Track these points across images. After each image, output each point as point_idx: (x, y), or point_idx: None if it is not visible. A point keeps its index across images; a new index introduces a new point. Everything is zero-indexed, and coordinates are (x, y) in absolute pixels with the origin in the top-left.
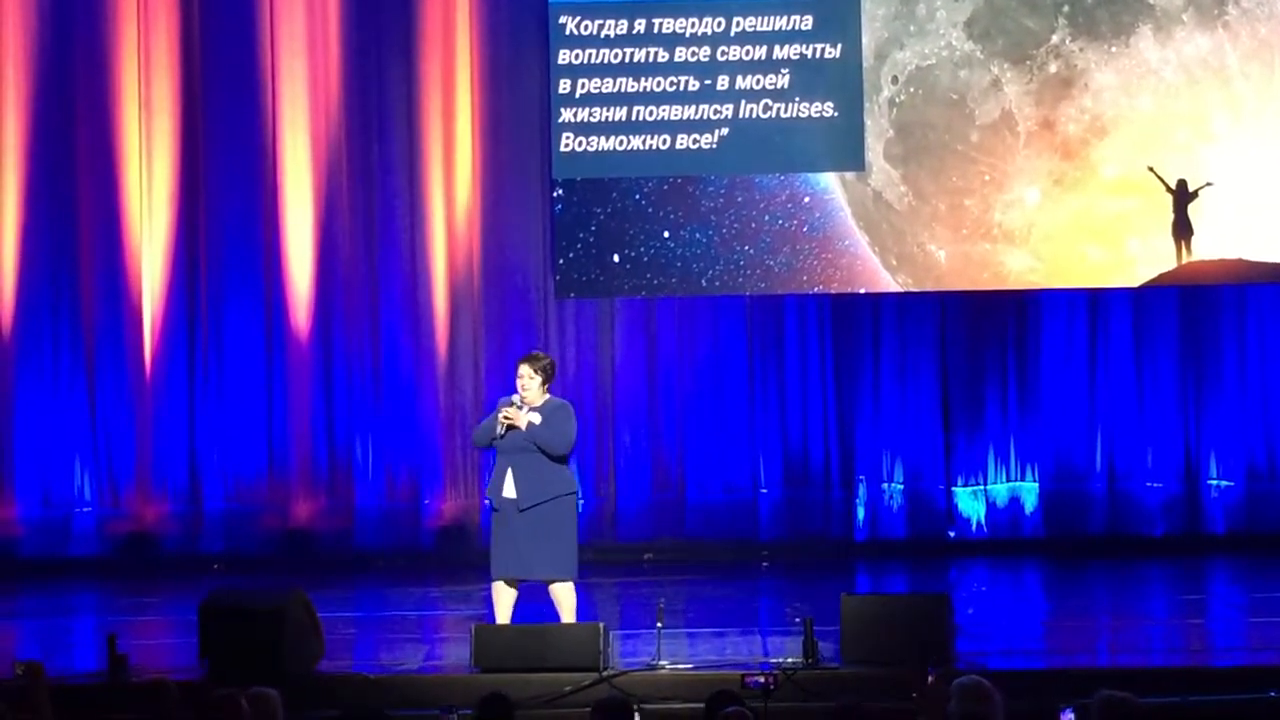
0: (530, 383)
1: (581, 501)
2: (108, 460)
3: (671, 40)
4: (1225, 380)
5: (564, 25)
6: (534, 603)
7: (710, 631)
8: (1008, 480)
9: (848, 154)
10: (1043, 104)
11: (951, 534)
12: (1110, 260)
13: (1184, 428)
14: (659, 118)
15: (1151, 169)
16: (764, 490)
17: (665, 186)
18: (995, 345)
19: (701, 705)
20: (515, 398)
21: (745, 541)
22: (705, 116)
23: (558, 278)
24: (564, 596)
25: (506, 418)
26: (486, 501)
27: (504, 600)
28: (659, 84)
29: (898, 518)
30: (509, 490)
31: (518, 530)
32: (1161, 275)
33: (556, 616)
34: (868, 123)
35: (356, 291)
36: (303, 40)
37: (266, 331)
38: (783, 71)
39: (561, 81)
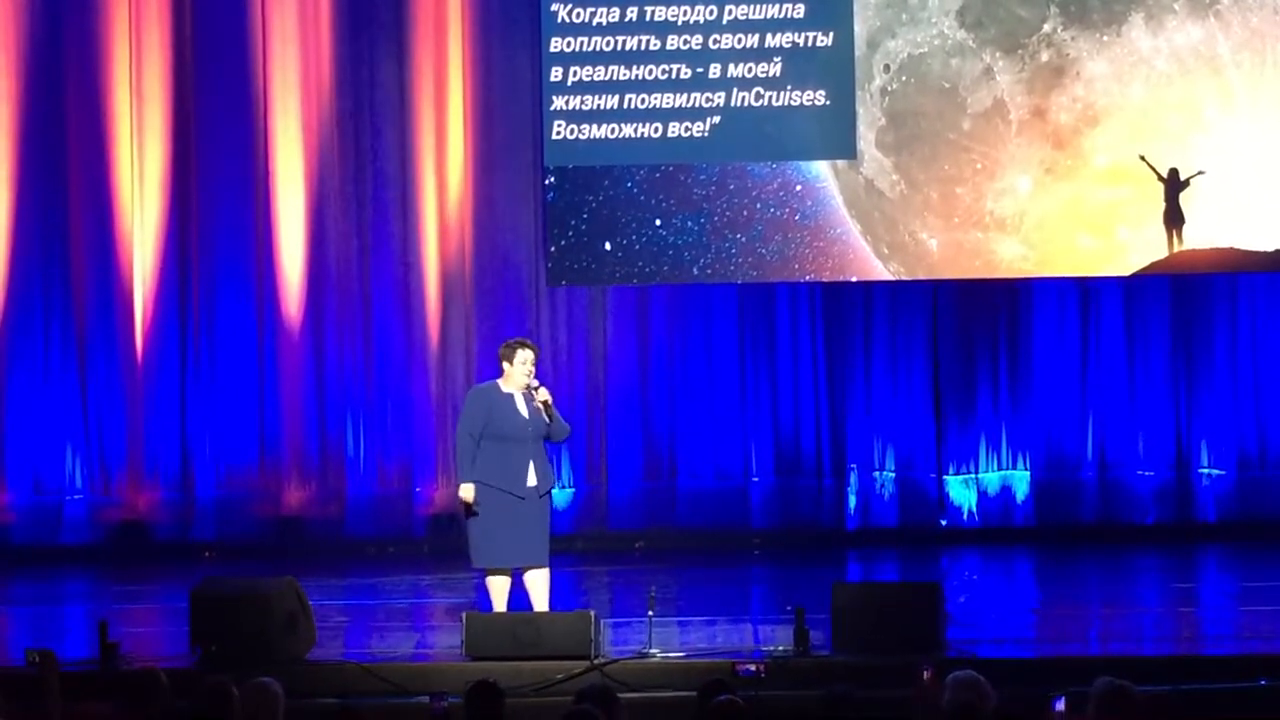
0: (533, 369)
1: (572, 490)
2: (99, 447)
3: (663, 28)
4: (1216, 369)
5: (555, 13)
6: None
7: (701, 620)
8: (999, 469)
9: (839, 142)
10: (1034, 92)
11: (943, 522)
12: (1102, 249)
13: (1175, 416)
14: (651, 105)
15: (1143, 158)
16: (755, 478)
17: (657, 174)
18: (987, 334)
19: (692, 693)
20: (535, 383)
21: (736, 530)
22: (697, 104)
23: (549, 266)
24: (544, 582)
25: (546, 402)
26: (495, 492)
27: (504, 588)
28: (651, 72)
29: (889, 506)
30: (532, 479)
31: (532, 518)
32: (1153, 264)
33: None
34: (860, 111)
35: (348, 279)
36: (294, 28)
37: (258, 319)
38: (775, 60)
39: (553, 69)
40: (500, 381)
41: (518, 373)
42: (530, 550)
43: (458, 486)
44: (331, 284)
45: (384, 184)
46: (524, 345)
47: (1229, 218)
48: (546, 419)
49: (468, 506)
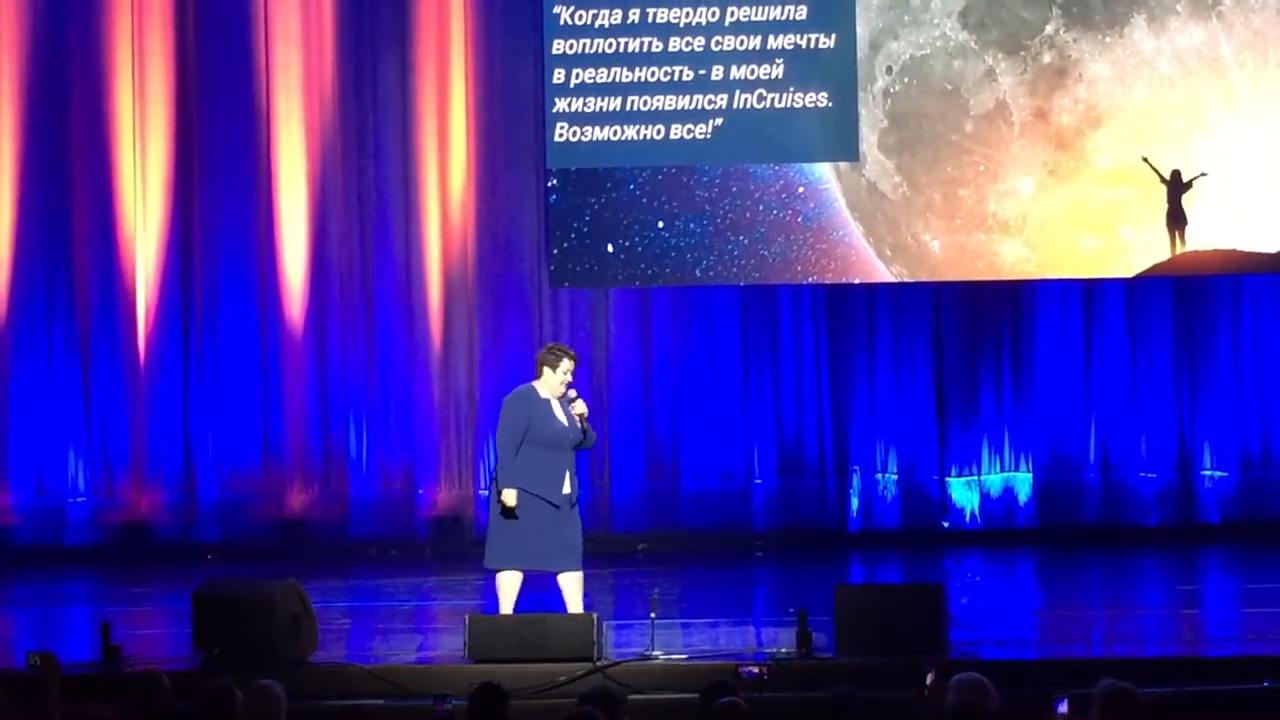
0: (571, 378)
1: None
2: (102, 449)
3: (666, 30)
4: (1219, 370)
5: (558, 15)
6: (533, 593)
7: (704, 622)
8: (1002, 470)
9: (842, 144)
10: (1037, 94)
11: (945, 524)
12: (1104, 250)
13: (1178, 418)
14: (653, 107)
15: (1146, 159)
16: (758, 480)
17: (660, 176)
18: (989, 336)
19: (695, 695)
20: (573, 393)
21: (739, 531)
22: (700, 106)
23: (552, 268)
24: (578, 585)
25: (582, 415)
26: (531, 498)
27: (514, 588)
28: (653, 74)
29: (892, 508)
30: (567, 486)
31: (568, 524)
32: (1156, 265)
33: (553, 606)
34: (862, 113)
35: (351, 281)
36: (297, 30)
37: (261, 321)
38: (777, 61)
39: (556, 71)
40: (537, 385)
41: (557, 380)
42: (564, 556)
43: (498, 491)
44: (334, 286)
45: (386, 186)
46: (568, 355)
47: (1231, 219)
48: (580, 428)
49: (509, 511)
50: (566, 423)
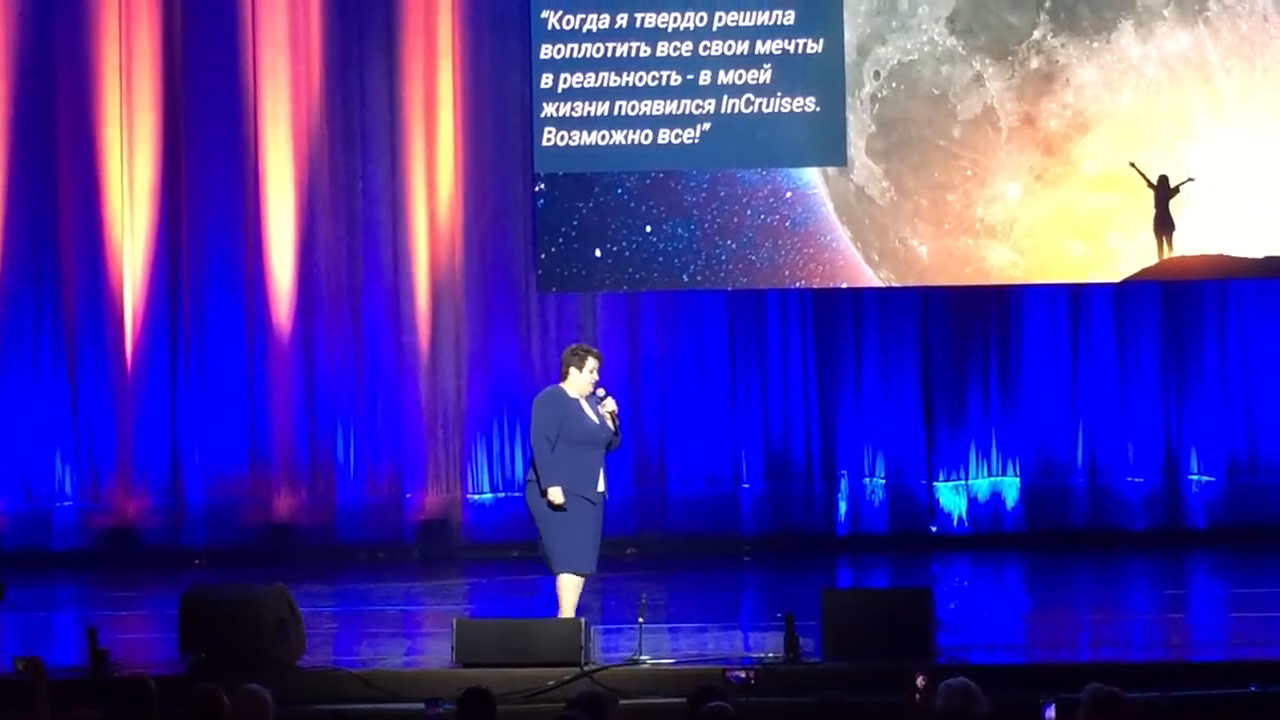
0: (598, 376)
1: None
2: (89, 454)
3: (654, 35)
4: (1206, 375)
5: (546, 20)
6: (523, 598)
7: (692, 626)
8: (989, 475)
9: (830, 149)
10: (1024, 99)
11: (933, 529)
12: (1092, 255)
13: (1165, 422)
14: (641, 112)
15: (1133, 164)
16: (746, 485)
17: (647, 181)
18: (977, 340)
19: (682, 700)
20: (602, 391)
21: (727, 536)
22: (687, 111)
23: (540, 272)
24: (579, 587)
25: (613, 411)
26: (578, 499)
27: (579, 589)
28: (641, 78)
29: (879, 512)
30: (601, 484)
31: (600, 524)
32: (1143, 270)
33: (541, 610)
34: (850, 118)
35: (338, 286)
36: (285, 35)
37: (248, 325)
38: (765, 66)
39: (544, 76)
40: (565, 386)
41: (585, 380)
42: (596, 554)
43: (542, 492)
44: (321, 290)
45: (374, 190)
46: (593, 354)
47: (1219, 224)
48: (611, 427)
49: (559, 508)
50: (597, 421)
